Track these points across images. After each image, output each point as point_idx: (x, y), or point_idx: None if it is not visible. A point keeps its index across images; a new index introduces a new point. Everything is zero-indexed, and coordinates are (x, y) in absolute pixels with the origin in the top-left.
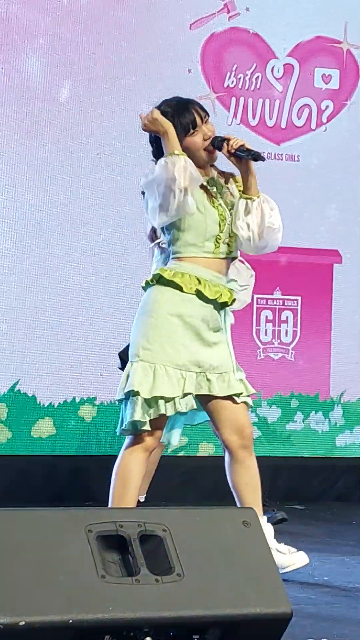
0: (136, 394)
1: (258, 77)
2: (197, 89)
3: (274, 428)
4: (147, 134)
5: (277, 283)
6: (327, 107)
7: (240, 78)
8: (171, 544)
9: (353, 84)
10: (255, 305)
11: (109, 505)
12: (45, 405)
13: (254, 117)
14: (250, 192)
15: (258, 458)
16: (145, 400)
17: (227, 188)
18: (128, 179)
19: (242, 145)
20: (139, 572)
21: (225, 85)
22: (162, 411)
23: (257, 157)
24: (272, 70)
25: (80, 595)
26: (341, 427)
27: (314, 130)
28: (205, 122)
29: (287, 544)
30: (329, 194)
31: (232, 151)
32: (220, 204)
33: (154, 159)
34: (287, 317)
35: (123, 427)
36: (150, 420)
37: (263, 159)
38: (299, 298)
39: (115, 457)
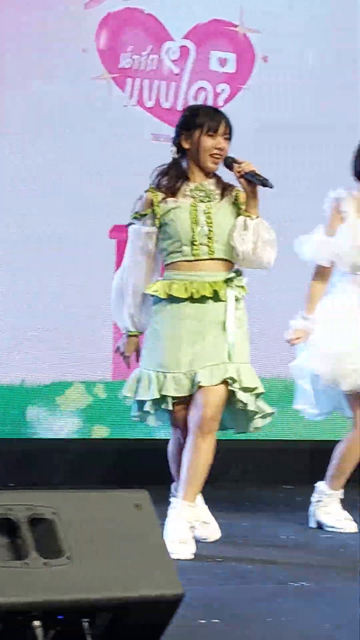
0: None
1: (154, 58)
2: (92, 69)
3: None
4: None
5: None
6: (223, 90)
7: (136, 59)
8: (61, 527)
9: (249, 68)
10: None
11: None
12: None
13: (150, 99)
14: (250, 211)
15: (149, 440)
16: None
17: (219, 195)
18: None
19: (253, 171)
20: (27, 556)
21: (121, 66)
22: (147, 409)
23: (265, 183)
24: (168, 52)
25: None
26: None
27: None
28: (225, 138)
29: None
30: (224, 177)
31: (242, 174)
32: (196, 209)
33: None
34: None
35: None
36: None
37: (271, 186)
38: None
39: None
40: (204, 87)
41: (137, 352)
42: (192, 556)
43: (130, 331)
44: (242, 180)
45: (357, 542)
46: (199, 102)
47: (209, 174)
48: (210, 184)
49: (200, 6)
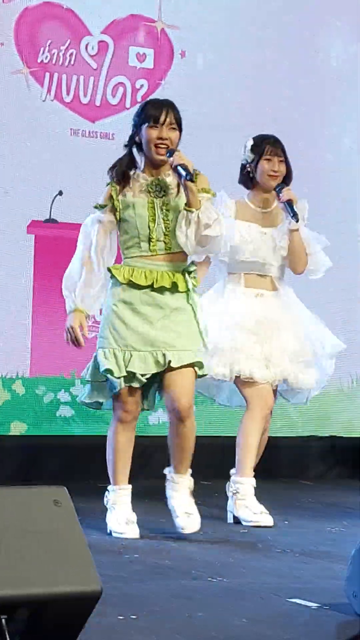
0: (87, 381)
1: (72, 53)
2: (10, 63)
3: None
4: None
5: None
6: (141, 86)
7: (54, 53)
8: None
9: (167, 63)
10: None
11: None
12: None
13: (68, 94)
14: (190, 205)
15: (68, 437)
16: (92, 383)
17: (176, 187)
18: None
19: (183, 164)
20: None
21: (39, 61)
22: (117, 387)
23: (189, 178)
24: (86, 47)
25: None
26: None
27: (128, 109)
28: (171, 128)
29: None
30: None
31: (173, 165)
32: (153, 206)
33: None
34: None
35: (83, 400)
36: (120, 394)
37: (194, 182)
38: None
39: None
40: (123, 82)
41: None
42: (199, 526)
43: (78, 307)
44: (173, 171)
45: (273, 536)
46: (117, 97)
47: (159, 166)
48: (166, 177)
49: (118, 2)
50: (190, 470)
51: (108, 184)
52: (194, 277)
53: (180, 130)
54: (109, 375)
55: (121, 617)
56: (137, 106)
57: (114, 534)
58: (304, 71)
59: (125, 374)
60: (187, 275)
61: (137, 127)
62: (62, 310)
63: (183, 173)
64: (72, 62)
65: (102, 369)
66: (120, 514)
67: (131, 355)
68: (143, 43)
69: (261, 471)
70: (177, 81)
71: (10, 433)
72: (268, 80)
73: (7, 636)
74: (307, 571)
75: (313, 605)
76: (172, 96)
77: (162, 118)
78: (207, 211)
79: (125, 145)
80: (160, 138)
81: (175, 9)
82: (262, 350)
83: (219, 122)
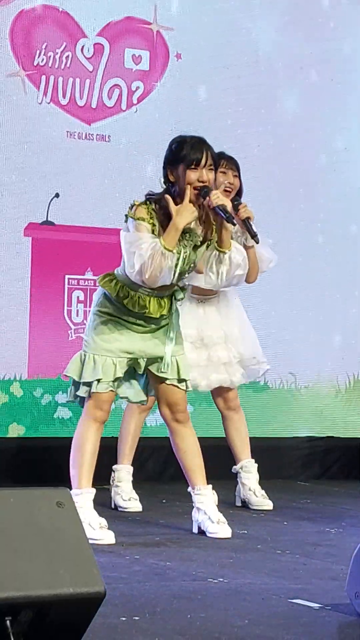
0: (70, 378)
1: (68, 55)
2: (6, 66)
3: None
4: None
5: (88, 264)
6: (137, 88)
7: (50, 56)
8: None
9: (163, 65)
10: (66, 286)
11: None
12: None
13: (64, 97)
14: (223, 246)
15: (66, 438)
16: (75, 382)
17: (202, 240)
18: None
19: (223, 205)
20: None
21: (35, 64)
22: (94, 390)
23: (229, 220)
24: (82, 50)
25: None
26: None
27: (124, 110)
28: (210, 169)
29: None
30: (139, 174)
31: (211, 205)
32: (179, 257)
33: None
34: None
35: (68, 399)
36: (94, 395)
37: (234, 224)
38: None
39: None
40: (119, 84)
41: None
42: (230, 534)
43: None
44: (210, 211)
45: (273, 537)
46: (113, 99)
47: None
48: (197, 229)
49: (114, 4)
50: (210, 500)
51: (142, 204)
52: (181, 299)
53: (216, 170)
54: (92, 381)
55: (124, 618)
56: (133, 108)
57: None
58: (299, 72)
59: (109, 380)
60: (174, 299)
61: (172, 166)
62: (59, 312)
63: (223, 215)
64: (68, 65)
65: (83, 375)
66: (92, 519)
67: (114, 363)
68: (138, 45)
69: (260, 472)
70: (172, 83)
71: (8, 435)
72: (263, 81)
73: (12, 637)
74: (307, 572)
75: (314, 605)
76: (168, 98)
77: (203, 161)
78: (236, 251)
79: (164, 183)
80: (201, 181)
81: (171, 11)
82: (199, 357)
83: (213, 124)
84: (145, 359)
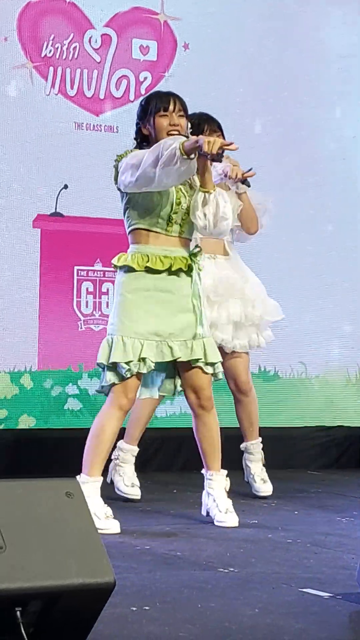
0: (101, 364)
1: (76, 47)
2: (14, 58)
3: (95, 400)
4: None
5: (97, 255)
6: (145, 78)
7: (57, 48)
8: None
9: (170, 55)
10: (75, 277)
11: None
12: None
13: (72, 88)
14: (207, 187)
15: (76, 430)
16: (108, 367)
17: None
18: None
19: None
20: None
21: (43, 55)
22: (123, 374)
23: (214, 158)
24: (89, 41)
25: None
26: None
27: (132, 101)
28: (180, 115)
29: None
30: None
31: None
32: (181, 189)
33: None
34: (107, 289)
35: (97, 389)
36: (121, 383)
37: (219, 161)
38: None
39: None
40: (126, 75)
41: None
42: (237, 523)
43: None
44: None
45: (283, 527)
46: (121, 90)
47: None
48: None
49: None
50: (225, 471)
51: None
52: (198, 262)
53: (187, 117)
54: (119, 362)
55: (134, 608)
56: (140, 99)
57: None
58: (307, 61)
59: (136, 360)
60: (195, 259)
61: (144, 119)
62: (69, 303)
63: (202, 153)
64: (75, 56)
65: (112, 356)
66: (98, 508)
67: (141, 344)
68: (146, 35)
69: (270, 461)
70: (180, 73)
71: (19, 427)
72: (270, 71)
73: (22, 628)
74: (318, 561)
75: (325, 595)
76: (176, 88)
77: (171, 106)
78: (224, 198)
79: (135, 139)
80: (172, 125)
81: (178, 0)
82: (209, 315)
83: (222, 112)
84: (173, 344)
